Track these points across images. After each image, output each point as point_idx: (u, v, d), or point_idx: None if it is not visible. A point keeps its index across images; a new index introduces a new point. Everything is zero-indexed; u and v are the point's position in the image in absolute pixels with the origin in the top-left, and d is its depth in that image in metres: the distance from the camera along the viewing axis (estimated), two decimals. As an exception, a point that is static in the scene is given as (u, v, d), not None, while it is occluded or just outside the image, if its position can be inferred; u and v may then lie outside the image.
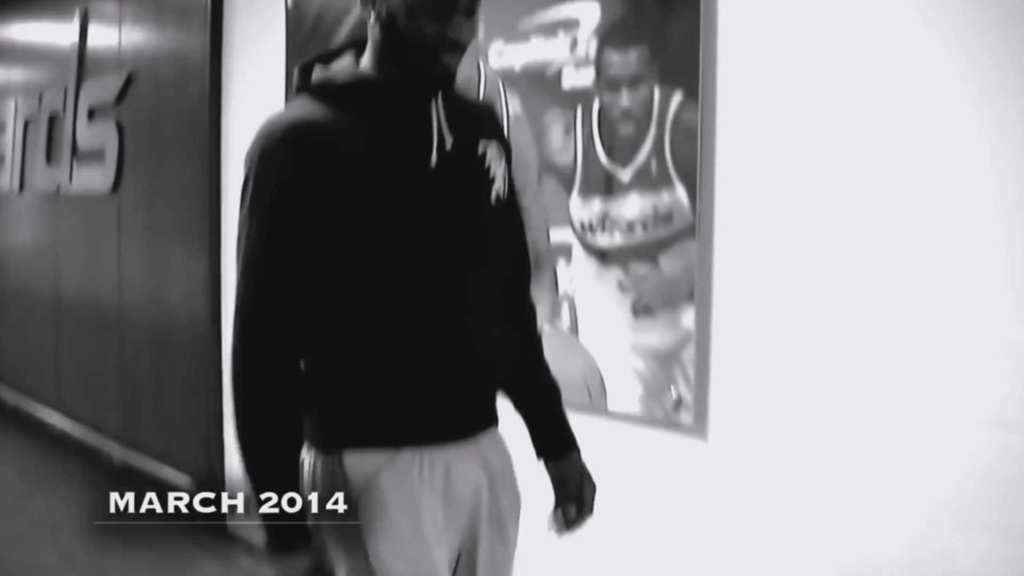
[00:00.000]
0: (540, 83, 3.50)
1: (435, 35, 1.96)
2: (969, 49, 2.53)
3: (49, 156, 7.53)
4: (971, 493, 2.54)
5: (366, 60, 2.10)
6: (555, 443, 2.33)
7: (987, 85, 2.50)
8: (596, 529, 2.39)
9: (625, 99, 3.23)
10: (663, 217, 3.13)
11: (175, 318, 5.99)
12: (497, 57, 3.65)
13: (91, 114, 6.86)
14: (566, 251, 3.42)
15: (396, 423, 2.07)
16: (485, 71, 3.69)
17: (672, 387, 3.14)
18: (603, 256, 3.31)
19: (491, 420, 2.24)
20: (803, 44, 2.86)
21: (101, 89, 6.70)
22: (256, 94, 5.12)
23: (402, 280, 2.04)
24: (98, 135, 6.75)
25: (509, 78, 3.61)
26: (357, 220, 1.99)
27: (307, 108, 2.05)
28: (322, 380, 2.08)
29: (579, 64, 3.37)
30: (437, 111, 2.08)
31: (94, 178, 6.78)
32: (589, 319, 3.38)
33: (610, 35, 3.28)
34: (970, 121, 2.53)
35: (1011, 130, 2.46)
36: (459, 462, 2.14)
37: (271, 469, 2.01)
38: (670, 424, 3.17)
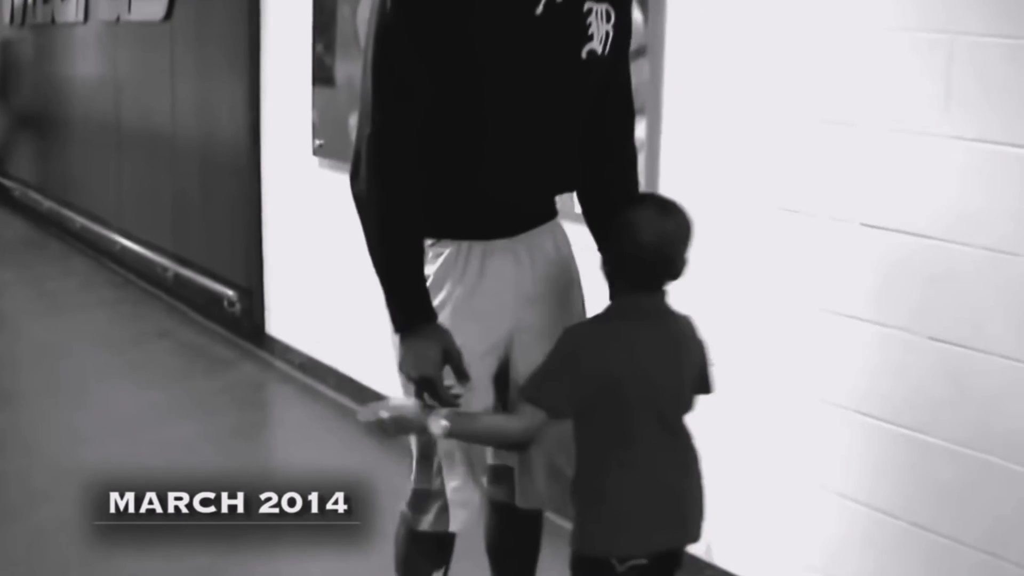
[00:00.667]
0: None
1: None
2: None
3: (110, -14, 7.86)
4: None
5: None
6: None
7: None
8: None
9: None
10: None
11: (220, 140, 6.33)
12: None
13: (144, -60, 7.15)
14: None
15: (445, 218, 2.42)
16: None
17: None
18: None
19: (543, 218, 2.58)
20: None
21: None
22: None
23: (478, 104, 2.31)
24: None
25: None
26: (459, 49, 2.25)
27: None
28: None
29: None
30: None
31: (150, 6, 7.08)
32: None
33: None
34: None
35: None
36: (497, 254, 2.47)
37: (413, 274, 2.37)
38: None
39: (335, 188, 5.01)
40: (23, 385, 5.84)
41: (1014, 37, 2.53)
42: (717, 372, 2.51)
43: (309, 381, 5.46)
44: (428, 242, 2.44)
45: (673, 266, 2.33)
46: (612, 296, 2.40)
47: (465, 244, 2.45)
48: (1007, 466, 2.64)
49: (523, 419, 2.31)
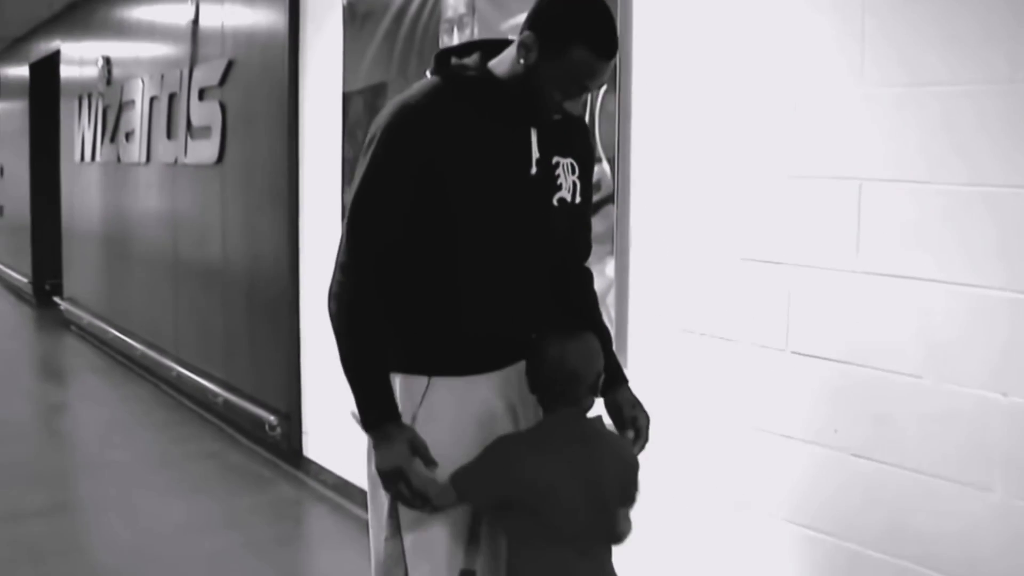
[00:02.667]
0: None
1: (558, 104, 2.52)
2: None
3: (169, 131, 8.46)
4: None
5: (498, 68, 2.60)
6: (610, 376, 2.78)
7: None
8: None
9: (569, 89, 3.91)
10: (594, 186, 3.81)
11: (264, 273, 6.83)
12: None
13: (201, 94, 7.74)
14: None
15: (430, 358, 2.65)
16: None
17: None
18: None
19: (522, 353, 2.71)
20: (702, 51, 3.51)
21: (208, 72, 7.58)
22: (324, 80, 5.89)
23: (460, 249, 2.59)
24: (207, 113, 7.63)
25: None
26: (446, 200, 2.54)
27: (434, 92, 2.58)
28: (394, 311, 2.64)
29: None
30: (533, 132, 2.62)
31: (204, 151, 7.67)
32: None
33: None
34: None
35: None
36: (480, 389, 2.67)
37: (376, 380, 2.60)
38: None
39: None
40: (78, 496, 6.33)
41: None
42: (653, 477, 2.77)
43: (341, 500, 5.87)
44: (413, 377, 2.67)
45: (582, 383, 2.60)
46: (544, 412, 2.67)
47: (449, 380, 2.66)
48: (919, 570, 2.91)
49: (447, 496, 2.59)
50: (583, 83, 2.50)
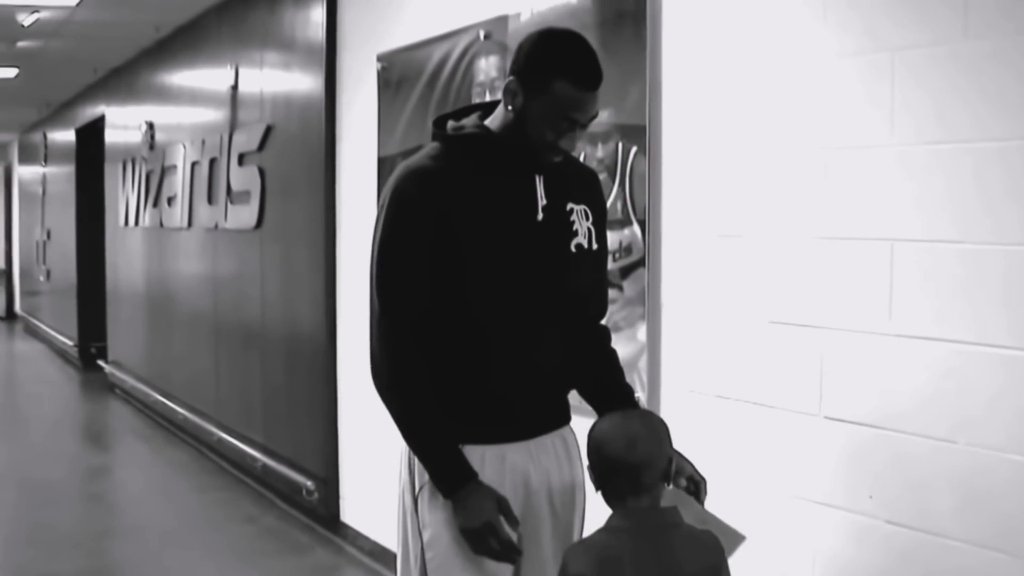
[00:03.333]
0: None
1: (552, 143, 2.56)
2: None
3: (210, 196, 8.52)
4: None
5: (492, 123, 2.66)
6: None
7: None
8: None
9: (599, 151, 3.90)
10: (625, 249, 3.79)
11: (302, 337, 6.84)
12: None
13: (240, 159, 7.80)
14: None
15: (462, 424, 2.63)
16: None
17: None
18: (586, 282, 3.99)
19: (557, 422, 2.78)
20: (731, 112, 3.49)
21: (248, 137, 7.64)
22: (361, 142, 5.92)
23: (477, 303, 2.62)
24: (246, 178, 7.69)
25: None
26: (456, 251, 2.56)
27: (437, 155, 2.65)
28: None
29: (570, 122, 4.06)
30: (539, 179, 2.65)
31: (243, 216, 7.72)
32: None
33: (590, 99, 3.96)
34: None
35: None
36: (514, 456, 2.67)
37: (443, 446, 2.60)
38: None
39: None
40: (114, 560, 6.35)
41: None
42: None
43: (377, 566, 5.81)
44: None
45: (651, 469, 2.43)
46: (607, 503, 2.51)
47: (481, 448, 2.65)
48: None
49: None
50: (570, 116, 2.54)
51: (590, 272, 2.79)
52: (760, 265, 3.37)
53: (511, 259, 2.62)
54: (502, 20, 4.48)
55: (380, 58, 5.57)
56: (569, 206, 2.71)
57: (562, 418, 2.83)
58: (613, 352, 2.94)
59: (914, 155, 2.91)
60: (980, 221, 2.76)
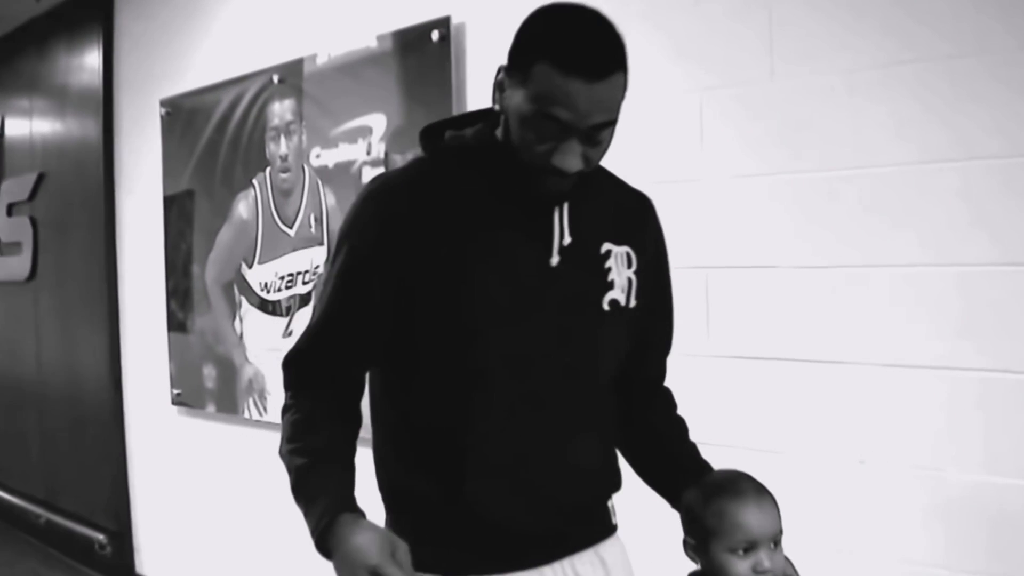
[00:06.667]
0: (347, 179, 4.26)
1: (541, 157, 1.79)
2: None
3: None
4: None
5: (500, 133, 1.92)
6: None
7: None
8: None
9: (406, 193, 3.97)
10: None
11: (85, 391, 6.64)
12: (316, 159, 4.41)
13: (9, 210, 7.55)
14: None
15: (428, 548, 1.85)
16: (308, 170, 4.44)
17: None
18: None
19: (589, 537, 2.03)
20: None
21: (17, 187, 7.40)
22: (142, 186, 5.84)
23: (450, 380, 1.88)
24: (16, 229, 7.44)
25: (324, 175, 4.38)
26: (433, 303, 1.85)
27: (420, 172, 1.95)
28: (381, 462, 2.02)
29: (374, 163, 4.12)
30: (560, 210, 1.91)
31: (14, 267, 7.47)
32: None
33: (393, 140, 4.04)
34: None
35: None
36: None
37: (321, 473, 1.87)
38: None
39: (194, 434, 5.41)
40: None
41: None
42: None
43: (179, 615, 5.72)
44: None
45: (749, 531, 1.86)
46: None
47: None
48: None
49: None
50: (552, 114, 1.75)
51: (627, 336, 2.02)
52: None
53: (505, 317, 1.86)
54: (297, 64, 4.52)
55: (164, 103, 5.51)
56: (605, 248, 1.97)
57: (598, 530, 2.06)
58: (681, 421, 2.19)
59: (723, 187, 3.09)
60: (792, 245, 2.96)
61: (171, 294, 5.50)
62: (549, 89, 1.73)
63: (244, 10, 5.00)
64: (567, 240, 1.91)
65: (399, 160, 3.99)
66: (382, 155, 4.09)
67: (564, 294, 1.90)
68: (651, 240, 2.09)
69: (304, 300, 4.51)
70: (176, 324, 5.47)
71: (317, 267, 4.43)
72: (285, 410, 1.98)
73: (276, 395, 4.71)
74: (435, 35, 3.85)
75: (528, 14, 1.84)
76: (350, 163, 4.24)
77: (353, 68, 4.21)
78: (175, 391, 5.49)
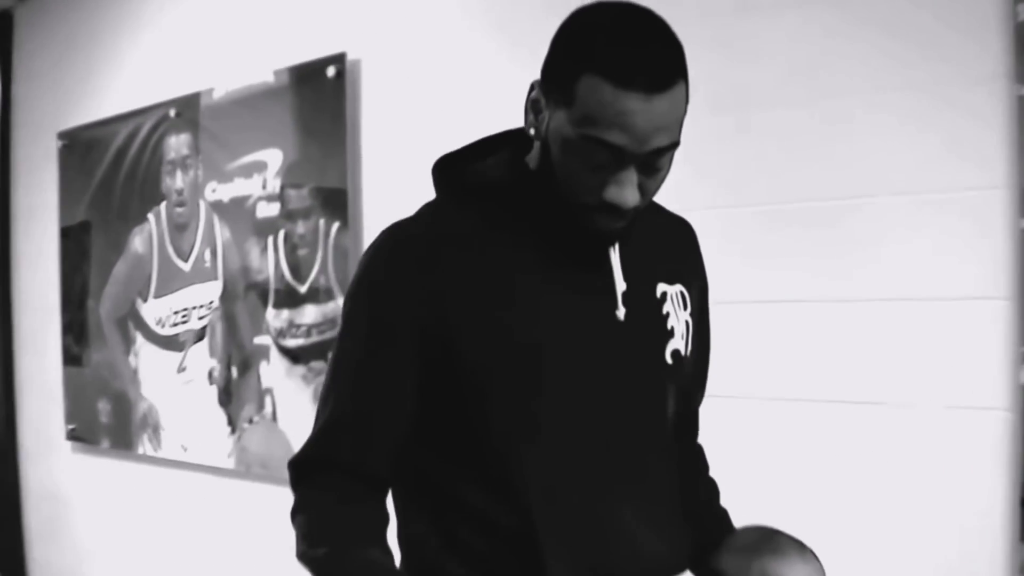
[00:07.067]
0: (242, 214, 4.25)
1: (591, 192, 1.50)
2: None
3: None
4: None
5: (532, 160, 1.62)
6: None
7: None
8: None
9: (300, 227, 3.97)
10: (330, 322, 3.87)
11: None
12: (212, 193, 4.39)
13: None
14: (266, 353, 4.14)
15: None
16: (204, 205, 4.42)
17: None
18: (292, 356, 4.03)
19: None
20: (425, 194, 3.61)
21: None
22: (39, 218, 5.76)
23: (502, 455, 1.56)
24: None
25: (220, 210, 4.36)
26: (470, 381, 1.55)
27: (436, 217, 1.65)
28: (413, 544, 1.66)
29: (269, 198, 4.12)
30: (614, 253, 1.62)
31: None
32: (285, 407, 4.09)
33: (288, 175, 4.04)
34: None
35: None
36: None
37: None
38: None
39: (88, 470, 5.33)
40: None
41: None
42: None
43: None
44: None
45: None
46: None
47: None
48: None
49: None
50: (604, 139, 1.45)
51: (688, 392, 1.78)
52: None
53: (567, 390, 1.57)
54: (194, 97, 4.49)
55: (61, 135, 5.45)
56: (661, 290, 1.68)
57: None
58: (714, 485, 1.93)
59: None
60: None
61: (67, 328, 5.42)
62: (599, 108, 1.43)
63: (142, 44, 4.97)
64: (622, 287, 1.61)
65: (294, 195, 3.99)
66: (277, 190, 4.08)
67: (632, 351, 1.62)
68: (698, 275, 1.80)
69: (199, 335, 4.49)
70: (71, 358, 5.39)
71: (211, 302, 4.41)
72: (296, 511, 1.65)
73: (170, 430, 4.68)
74: (331, 71, 3.86)
75: (568, 16, 1.53)
76: (245, 198, 4.23)
77: (250, 103, 4.21)
78: (70, 426, 5.40)
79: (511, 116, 1.70)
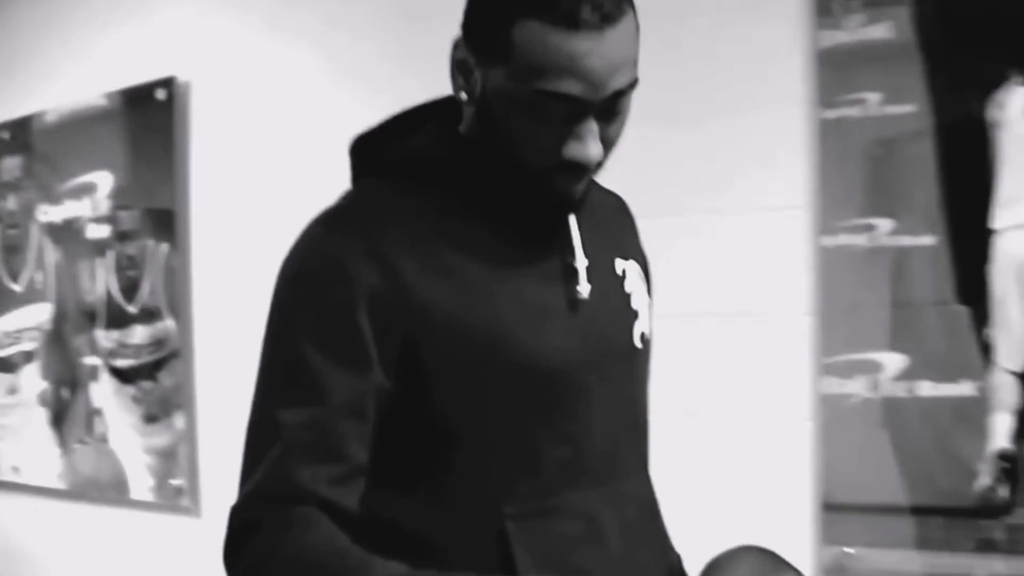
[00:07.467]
0: (73, 236, 4.27)
1: (547, 153, 1.29)
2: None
3: None
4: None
5: (465, 130, 1.39)
6: None
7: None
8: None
9: (131, 249, 4.01)
10: (159, 342, 3.91)
11: None
12: (44, 215, 4.41)
13: None
14: (95, 373, 4.16)
15: None
16: (36, 227, 4.43)
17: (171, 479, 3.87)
18: (121, 375, 4.06)
19: None
20: (262, 204, 3.69)
21: None
22: None
23: (464, 461, 1.35)
24: None
25: (52, 232, 4.39)
26: (421, 372, 1.31)
27: (378, 201, 1.37)
28: None
29: (99, 220, 4.15)
30: (573, 222, 1.40)
31: None
32: (114, 427, 4.11)
33: (118, 197, 4.08)
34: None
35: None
36: None
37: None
38: (175, 508, 3.91)
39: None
40: None
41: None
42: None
43: None
44: None
45: None
46: None
47: None
48: None
49: None
50: (557, 90, 1.24)
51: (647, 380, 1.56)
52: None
53: (529, 376, 1.34)
54: (25, 121, 4.50)
55: None
56: (620, 267, 1.48)
57: None
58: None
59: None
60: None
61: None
62: (544, 56, 1.23)
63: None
64: (584, 261, 1.39)
65: (124, 217, 4.02)
66: (108, 212, 4.11)
67: (601, 334, 1.41)
68: (642, 253, 1.60)
69: (28, 357, 4.48)
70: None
71: (43, 323, 4.40)
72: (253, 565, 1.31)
73: (3, 451, 4.64)
74: (161, 94, 3.91)
75: None
76: (76, 219, 4.24)
77: (82, 125, 4.23)
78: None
79: (339, 137, 1.54)
